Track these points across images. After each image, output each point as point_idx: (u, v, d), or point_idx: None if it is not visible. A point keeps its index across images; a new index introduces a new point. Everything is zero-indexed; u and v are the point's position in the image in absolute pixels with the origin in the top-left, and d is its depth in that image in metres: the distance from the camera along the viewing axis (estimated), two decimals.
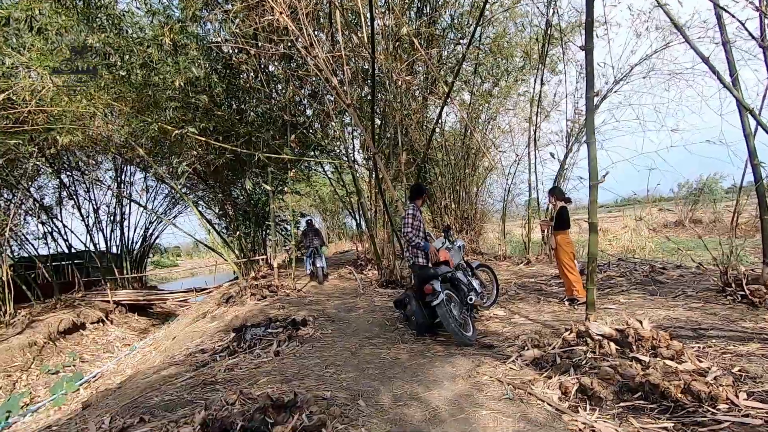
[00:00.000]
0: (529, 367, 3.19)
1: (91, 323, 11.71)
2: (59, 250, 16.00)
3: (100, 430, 3.21)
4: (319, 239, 10.45)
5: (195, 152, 8.44)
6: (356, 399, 2.94)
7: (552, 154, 9.80)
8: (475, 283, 4.85)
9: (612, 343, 3.05)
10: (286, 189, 8.82)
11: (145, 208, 15.23)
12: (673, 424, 2.17)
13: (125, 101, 8.32)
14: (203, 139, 8.35)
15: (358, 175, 10.66)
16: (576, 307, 5.12)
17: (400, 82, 7.69)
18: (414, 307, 3.98)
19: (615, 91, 9.35)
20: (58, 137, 8.33)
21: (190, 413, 2.94)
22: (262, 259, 12.75)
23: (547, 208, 9.94)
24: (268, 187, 8.28)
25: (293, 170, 8.80)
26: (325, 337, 5.17)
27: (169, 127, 8.19)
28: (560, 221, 5.40)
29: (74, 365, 9.15)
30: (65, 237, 15.69)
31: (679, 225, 24.20)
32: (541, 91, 9.83)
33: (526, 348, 3.50)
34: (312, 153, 10.19)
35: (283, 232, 14.20)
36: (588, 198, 3.28)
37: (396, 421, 2.58)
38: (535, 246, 10.08)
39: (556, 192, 5.60)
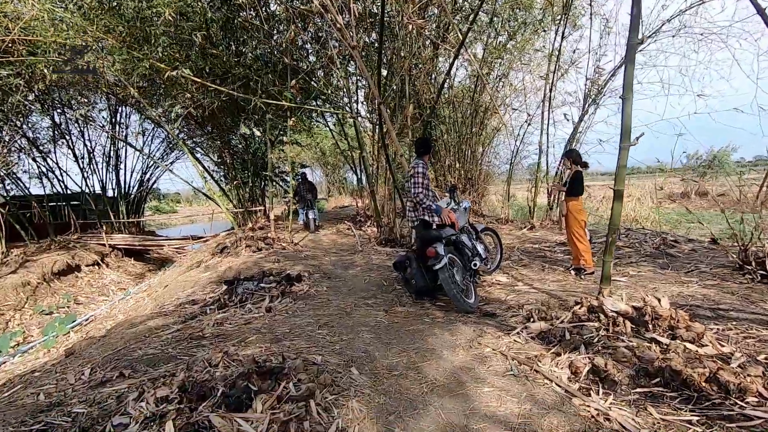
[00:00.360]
0: (535, 341, 2.98)
1: (87, 266, 11.64)
2: (55, 190, 15.70)
3: (79, 382, 3.06)
4: (312, 193, 10.88)
5: (189, 95, 7.92)
6: (349, 366, 2.74)
7: (566, 116, 9.30)
8: (480, 248, 4.59)
9: (627, 322, 2.82)
10: (285, 138, 8.37)
11: (140, 151, 14.75)
12: (697, 417, 1.96)
13: (115, 35, 7.70)
14: (199, 80, 7.83)
15: (360, 127, 10.18)
16: (582, 277, 4.90)
17: (410, 27, 7.07)
18: (414, 269, 3.75)
19: (640, 50, 8.70)
20: (46, 71, 7.83)
21: (171, 371, 2.76)
22: (260, 211, 12.50)
23: (557, 172, 9.57)
24: (257, 133, 7.87)
25: (293, 119, 8.30)
26: (320, 295, 4.99)
27: (161, 65, 7.66)
28: (574, 186, 5.07)
29: (68, 307, 9.13)
30: (60, 178, 15.35)
31: (684, 197, 23.86)
32: (561, 46, 9.15)
33: (531, 319, 3.28)
34: (313, 102, 9.62)
35: (282, 184, 13.85)
36: (616, 162, 2.93)
37: (390, 394, 2.39)
38: (539, 211, 9.78)
39: (572, 155, 5.21)
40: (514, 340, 3.03)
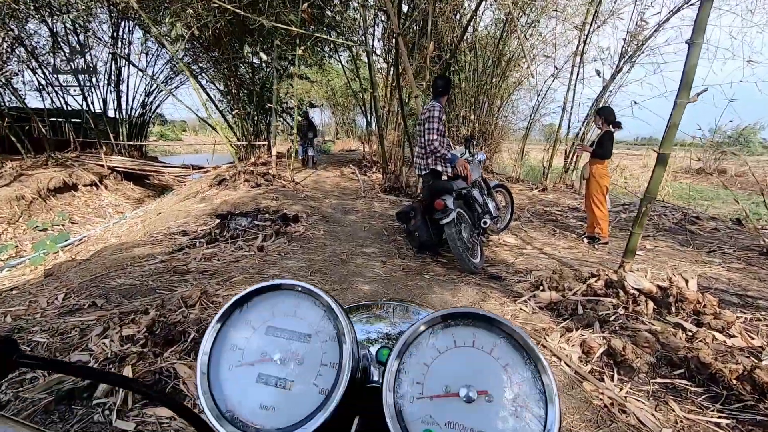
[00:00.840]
0: (543, 312, 2.73)
1: (84, 186, 11.42)
2: (55, 106, 15.15)
3: (50, 307, 2.86)
4: (312, 131, 11.69)
5: (192, 11, 7.22)
6: None
7: (598, 72, 8.55)
8: (491, 205, 4.26)
9: (650, 302, 2.54)
10: (292, 69, 7.77)
11: (143, 72, 14.03)
12: (726, 420, 1.72)
13: None
14: None
15: (375, 65, 9.49)
16: (596, 246, 4.60)
17: None
18: (419, 222, 3.44)
19: (690, 4, 7.81)
20: None
21: (146, 307, 2.53)
22: (263, 145, 12.05)
23: (578, 133, 9.02)
24: (263, 56, 7.28)
25: (302, 48, 7.65)
26: (316, 238, 4.74)
27: None
28: (602, 148, 4.63)
29: (63, 225, 8.99)
30: (61, 94, 14.74)
31: (701, 173, 23.15)
32: None
33: (541, 287, 3.01)
34: (326, 31, 8.87)
35: (289, 120, 13.28)
36: (668, 119, 2.51)
37: None
38: (553, 173, 9.33)
39: (605, 112, 4.70)
40: (521, 309, 2.78)
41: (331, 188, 8.43)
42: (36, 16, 11.81)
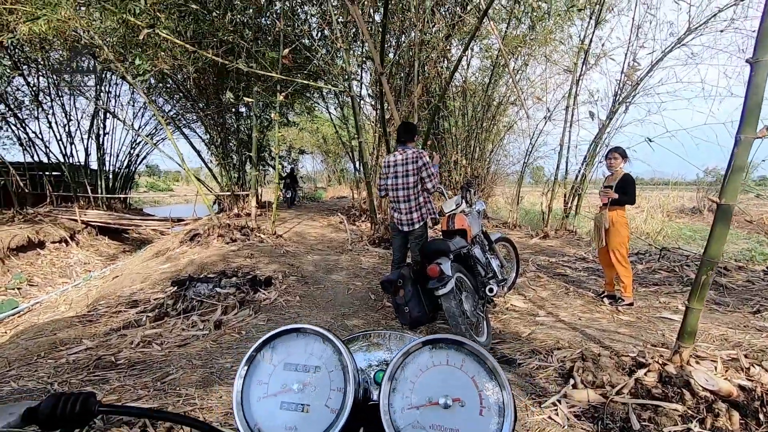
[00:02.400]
0: (581, 422, 1.98)
1: (53, 242, 10.62)
2: (37, 159, 14.68)
3: None
4: (294, 182, 14.70)
5: (163, 53, 6.85)
6: None
7: (591, 114, 8.22)
8: (494, 264, 3.58)
9: (734, 412, 1.82)
10: (273, 115, 7.33)
11: (124, 123, 13.65)
12: None
13: None
14: (179, 42, 6.79)
15: (361, 114, 9.15)
16: (620, 309, 3.90)
17: None
18: (410, 293, 2.75)
19: (684, 44, 7.63)
20: (17, 24, 6.81)
21: None
22: (246, 195, 11.48)
23: (578, 176, 8.54)
24: (248, 100, 6.85)
25: (283, 94, 7.25)
26: (289, 307, 3.99)
27: (135, 21, 6.62)
28: (626, 192, 4.01)
29: (19, 288, 8.13)
30: (44, 147, 14.30)
31: (696, 212, 22.90)
32: (593, 34, 8.09)
33: (572, 381, 2.28)
34: (311, 77, 8.56)
35: (272, 168, 12.83)
36: (729, 161, 1.91)
37: None
38: (555, 217, 8.77)
39: (621, 151, 4.15)
40: (550, 418, 2.03)
41: (315, 241, 7.75)
42: (11, 69, 11.55)
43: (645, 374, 2.14)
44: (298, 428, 0.49)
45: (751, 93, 1.82)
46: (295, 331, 0.55)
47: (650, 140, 5.30)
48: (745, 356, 2.25)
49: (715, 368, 2.05)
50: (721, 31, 7.42)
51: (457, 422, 0.47)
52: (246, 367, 0.53)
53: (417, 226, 3.63)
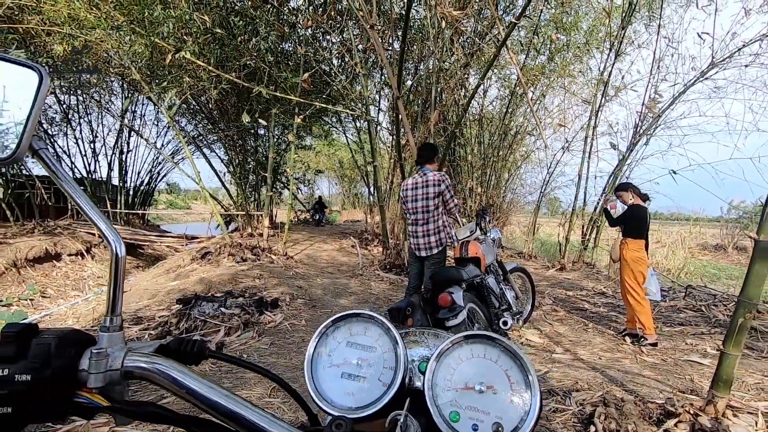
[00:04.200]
0: None
1: (69, 255, 10.76)
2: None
3: None
4: (324, 209, 17.24)
5: (188, 78, 7.04)
6: None
7: (613, 145, 8.10)
8: (509, 295, 3.42)
9: None
10: (290, 137, 7.41)
11: (147, 141, 14.04)
12: None
13: (124, 13, 6.98)
14: (203, 64, 7.00)
15: (377, 138, 9.21)
16: (644, 349, 3.66)
17: (444, 23, 6.08)
18: (419, 322, 2.61)
19: (707, 77, 7.52)
20: (55, 45, 7.16)
21: None
22: (260, 215, 11.52)
23: (597, 207, 8.34)
24: (263, 123, 6.97)
25: (301, 116, 7.34)
26: (295, 331, 3.87)
27: (163, 44, 6.87)
28: (632, 223, 3.89)
29: (32, 299, 8.18)
30: (70, 162, 14.79)
31: (720, 249, 22.16)
32: (613, 67, 8.05)
33: (592, 429, 2.09)
34: (327, 99, 8.70)
35: (288, 189, 12.96)
36: (767, 197, 1.77)
37: None
38: (572, 250, 8.52)
39: (632, 187, 4.04)
40: None
41: (326, 264, 7.65)
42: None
43: (675, 425, 1.95)
44: (354, 394, 0.57)
45: None
46: (357, 315, 0.62)
47: (674, 172, 5.12)
48: None
49: (756, 423, 1.85)
50: (746, 65, 7.32)
51: (489, 406, 0.53)
52: (316, 340, 0.61)
53: (435, 251, 3.51)
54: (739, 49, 6.72)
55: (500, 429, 0.52)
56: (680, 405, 2.10)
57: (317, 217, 16.88)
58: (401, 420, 0.53)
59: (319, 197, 19.42)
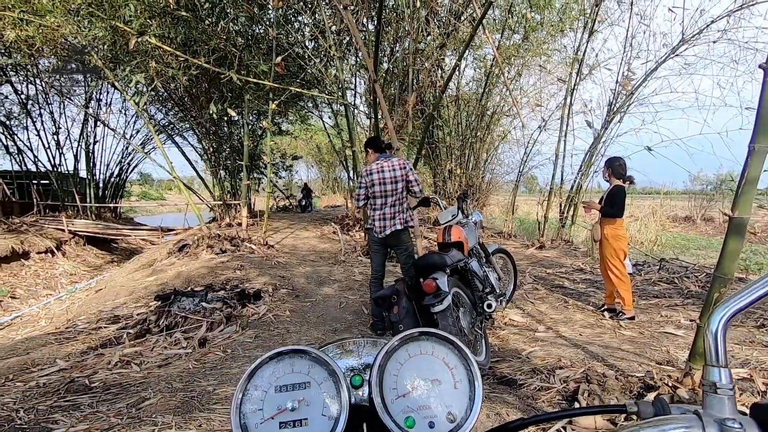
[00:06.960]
0: None
1: (38, 253, 10.34)
2: (25, 168, 14.49)
3: None
4: (311, 196, 17.39)
5: (154, 63, 6.72)
6: None
7: (588, 123, 8.20)
8: (492, 277, 3.46)
9: None
10: (264, 123, 7.22)
11: (114, 131, 13.50)
12: None
13: None
14: (169, 49, 6.70)
15: (354, 122, 9.07)
16: (622, 324, 3.78)
17: (419, 1, 5.96)
18: (404, 309, 2.61)
19: (678, 54, 7.64)
20: (6, 30, 6.72)
21: None
22: (238, 205, 11.29)
23: (573, 186, 8.48)
24: (232, 113, 6.75)
25: (276, 102, 7.14)
26: (279, 322, 3.83)
27: (125, 28, 6.52)
28: (612, 205, 3.96)
29: (0, 301, 7.86)
30: (33, 156, 14.12)
31: (689, 221, 22.99)
32: (587, 45, 8.08)
33: (576, 405, 2.14)
34: (303, 85, 8.47)
35: (265, 176, 12.69)
36: (742, 172, 1.81)
37: None
38: (550, 228, 8.67)
39: (613, 164, 4.08)
40: None
41: (307, 251, 7.58)
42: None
43: (655, 398, 2.00)
44: None
45: (765, 100, 1.72)
46: (276, 356, 0.56)
47: (649, 149, 5.23)
48: (760, 376, 2.12)
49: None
50: (714, 41, 7.44)
51: (439, 398, 0.53)
52: (239, 397, 0.55)
53: (400, 227, 3.51)
54: (708, 26, 6.83)
55: (453, 417, 0.53)
56: (659, 378, 2.17)
57: (304, 203, 16.53)
58: None
59: (305, 184, 18.94)
